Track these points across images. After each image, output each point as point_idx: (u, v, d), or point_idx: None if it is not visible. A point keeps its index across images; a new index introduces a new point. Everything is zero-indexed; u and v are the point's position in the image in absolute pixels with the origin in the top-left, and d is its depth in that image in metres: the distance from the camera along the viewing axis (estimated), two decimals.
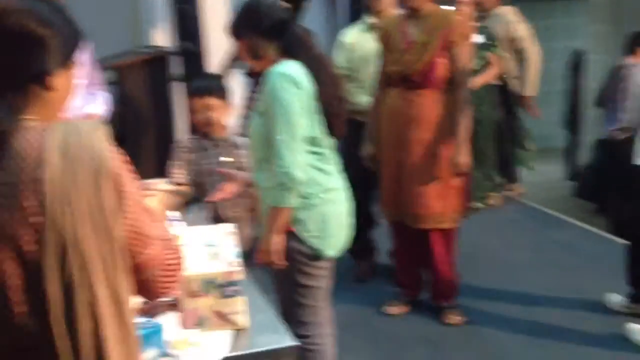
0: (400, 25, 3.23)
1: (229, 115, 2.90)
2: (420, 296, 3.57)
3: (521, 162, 5.32)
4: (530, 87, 5.05)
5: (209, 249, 1.83)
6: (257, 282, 2.95)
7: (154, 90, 4.76)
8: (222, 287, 1.70)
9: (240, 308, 1.72)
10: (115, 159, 1.14)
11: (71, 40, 1.21)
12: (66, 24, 1.20)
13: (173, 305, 1.72)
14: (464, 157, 3.15)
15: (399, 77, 3.20)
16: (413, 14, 3.17)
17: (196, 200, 2.82)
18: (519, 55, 5.02)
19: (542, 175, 5.95)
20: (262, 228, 2.38)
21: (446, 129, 3.16)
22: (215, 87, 2.83)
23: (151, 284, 1.23)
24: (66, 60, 1.20)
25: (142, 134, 4.78)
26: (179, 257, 1.28)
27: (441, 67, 3.11)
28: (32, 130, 1.12)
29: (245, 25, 2.31)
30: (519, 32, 5.02)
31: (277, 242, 2.26)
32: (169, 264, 1.25)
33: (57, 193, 1.07)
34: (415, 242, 3.38)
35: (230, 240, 1.89)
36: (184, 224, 2.31)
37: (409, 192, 3.24)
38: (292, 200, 2.22)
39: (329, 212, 2.31)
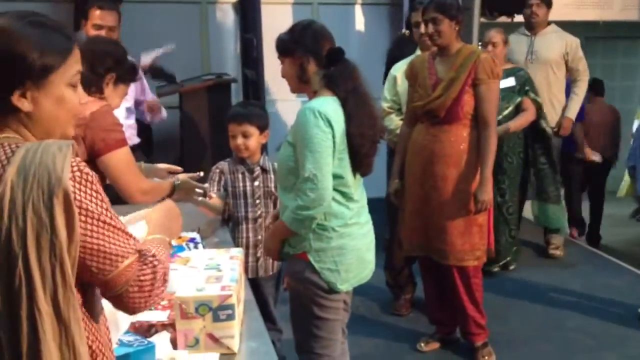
0: (429, 63, 3.27)
1: (265, 141, 2.99)
2: (455, 334, 3.51)
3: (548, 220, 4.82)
4: (573, 110, 4.80)
5: (211, 272, 1.89)
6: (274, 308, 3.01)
7: (215, 115, 4.92)
8: (217, 310, 1.75)
9: (233, 332, 1.76)
10: (77, 179, 1.16)
11: (50, 56, 1.22)
12: (47, 40, 1.22)
13: (167, 325, 1.78)
14: (487, 195, 3.12)
15: (425, 113, 3.21)
16: (441, 51, 3.21)
17: (228, 222, 2.91)
18: (572, 75, 4.80)
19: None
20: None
21: (471, 166, 3.15)
22: (252, 114, 2.93)
23: (124, 300, 1.24)
24: (41, 78, 1.21)
25: (201, 157, 4.95)
26: (153, 272, 1.27)
27: (467, 104, 3.13)
28: (4, 147, 1.17)
29: (301, 43, 2.32)
30: (579, 52, 4.79)
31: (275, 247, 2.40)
32: (142, 280, 1.25)
33: (10, 210, 1.10)
34: (442, 277, 3.34)
35: (234, 265, 1.94)
36: (200, 245, 2.40)
37: (433, 227, 3.23)
38: (305, 231, 2.27)
39: (346, 246, 2.33)
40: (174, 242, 2.39)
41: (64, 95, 1.25)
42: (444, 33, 3.12)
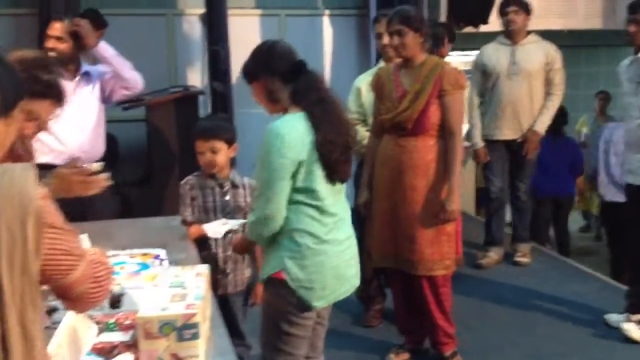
0: (394, 75, 3.29)
1: (233, 155, 2.97)
2: (424, 344, 3.52)
3: None
4: (542, 124, 4.61)
5: (176, 290, 1.86)
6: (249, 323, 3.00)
7: (182, 128, 4.89)
8: (181, 329, 1.72)
9: (198, 351, 1.74)
10: (41, 198, 1.20)
11: (10, 91, 1.27)
12: (5, 75, 1.27)
13: (130, 346, 1.75)
14: (455, 204, 3.15)
15: (393, 125, 3.24)
16: (406, 63, 3.24)
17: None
18: (546, 86, 4.63)
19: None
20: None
21: (439, 176, 3.18)
22: (219, 128, 2.91)
23: (83, 298, 1.33)
24: (4, 109, 1.26)
25: (169, 170, 4.91)
26: (107, 269, 1.40)
27: (434, 115, 3.16)
28: None
29: (263, 67, 2.36)
30: (558, 63, 4.63)
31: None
32: (98, 276, 1.35)
33: None
34: (411, 288, 3.35)
35: (200, 282, 1.92)
36: (166, 262, 2.37)
37: (402, 238, 3.24)
38: (260, 240, 2.40)
39: (323, 263, 2.31)
40: (139, 260, 2.38)
41: (18, 124, 1.32)
42: (409, 45, 3.15)
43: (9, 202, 1.15)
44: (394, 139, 3.25)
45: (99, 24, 4.66)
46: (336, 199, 2.37)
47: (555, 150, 5.41)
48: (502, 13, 4.68)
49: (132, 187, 5.05)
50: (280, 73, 2.33)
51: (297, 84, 2.32)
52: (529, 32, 4.71)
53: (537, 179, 5.02)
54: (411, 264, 3.23)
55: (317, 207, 2.30)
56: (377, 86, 3.37)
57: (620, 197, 4.71)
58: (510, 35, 4.67)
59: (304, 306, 2.32)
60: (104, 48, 3.53)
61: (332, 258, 2.33)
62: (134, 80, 3.60)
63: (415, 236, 3.19)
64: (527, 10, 4.67)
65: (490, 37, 5.11)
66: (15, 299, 1.14)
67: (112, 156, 4.64)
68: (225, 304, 2.87)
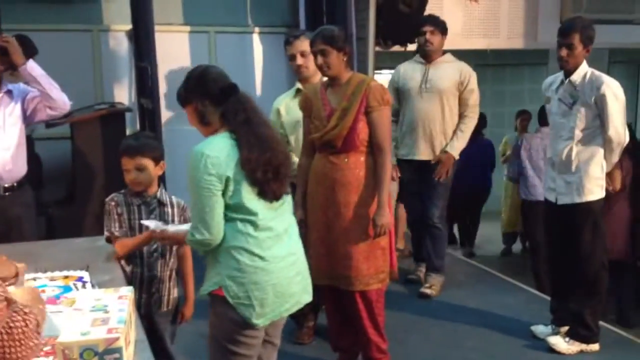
0: (321, 93, 3.32)
1: (161, 172, 2.91)
2: None
3: None
4: (457, 147, 4.55)
5: (98, 314, 1.80)
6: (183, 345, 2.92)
7: (108, 146, 4.77)
8: (103, 354, 1.66)
9: None
10: None
11: None
12: None
13: None
14: (385, 218, 3.19)
15: (323, 143, 3.27)
16: (332, 82, 3.28)
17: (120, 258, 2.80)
18: (460, 107, 4.56)
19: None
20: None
21: (369, 191, 3.22)
22: (145, 145, 2.84)
23: None
24: None
25: (94, 189, 4.77)
26: (29, 320, 1.27)
27: (362, 131, 3.20)
28: None
29: (195, 91, 2.41)
30: (472, 83, 4.57)
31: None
32: (12, 327, 1.23)
33: None
34: (345, 304, 3.35)
35: (123, 305, 1.86)
36: (89, 285, 2.29)
37: (337, 255, 3.25)
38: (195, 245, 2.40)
39: (260, 281, 2.31)
40: (61, 282, 2.29)
41: None
42: (333, 64, 3.19)
43: None
44: (325, 156, 3.28)
45: (30, 50, 4.52)
46: (274, 215, 2.38)
47: (473, 149, 5.59)
48: (419, 33, 4.66)
49: (56, 206, 4.90)
50: (211, 96, 2.39)
51: (227, 106, 2.38)
52: (445, 52, 4.71)
53: (455, 174, 4.84)
54: (347, 280, 3.24)
55: (251, 223, 2.31)
56: (306, 105, 3.38)
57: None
58: (425, 54, 4.63)
59: (246, 324, 2.31)
60: (32, 67, 3.42)
61: (271, 275, 2.33)
62: (62, 101, 3.50)
63: (350, 252, 3.22)
64: (443, 30, 4.65)
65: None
66: None
67: (37, 176, 4.49)
68: (151, 325, 2.80)
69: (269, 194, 2.35)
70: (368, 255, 3.22)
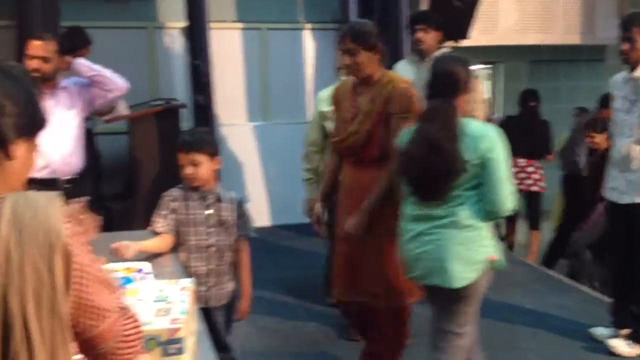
0: (350, 92, 3.03)
1: (217, 168, 2.93)
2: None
3: None
4: None
5: (160, 305, 1.82)
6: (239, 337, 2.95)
7: (164, 141, 4.85)
8: (166, 344, 1.68)
9: None
10: (69, 233, 1.13)
11: (32, 115, 1.23)
12: (30, 101, 1.23)
13: None
14: (353, 228, 2.91)
15: (343, 149, 3.04)
16: (362, 81, 2.99)
17: (175, 250, 2.84)
18: None
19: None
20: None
21: (387, 201, 2.91)
22: (200, 142, 2.87)
23: (110, 357, 1.23)
24: (26, 133, 1.21)
25: (151, 183, 4.85)
26: (137, 327, 1.29)
27: (383, 139, 2.89)
28: None
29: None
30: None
31: None
32: (127, 335, 1.25)
33: (5, 267, 1.06)
34: (371, 322, 3.14)
35: (184, 296, 1.88)
36: (151, 276, 2.32)
37: (365, 269, 3.00)
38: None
39: None
40: (122, 274, 2.33)
41: (35, 149, 1.27)
42: (362, 65, 2.91)
43: (33, 238, 1.08)
44: (349, 165, 3.05)
45: (84, 41, 4.63)
46: None
47: None
48: (411, 31, 4.41)
49: (114, 200, 5.00)
50: None
51: None
52: (440, 47, 4.41)
53: None
54: (375, 296, 3.00)
55: None
56: (335, 102, 3.15)
57: None
58: (419, 52, 4.33)
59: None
60: (80, 63, 3.52)
61: None
62: (119, 81, 3.60)
63: (372, 267, 2.98)
64: (436, 26, 4.36)
65: (471, 52, 5.13)
66: (44, 341, 1.08)
67: (96, 169, 4.60)
68: (208, 318, 2.83)
69: None
70: (387, 270, 2.96)
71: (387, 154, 2.84)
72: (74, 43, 4.53)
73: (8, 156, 1.18)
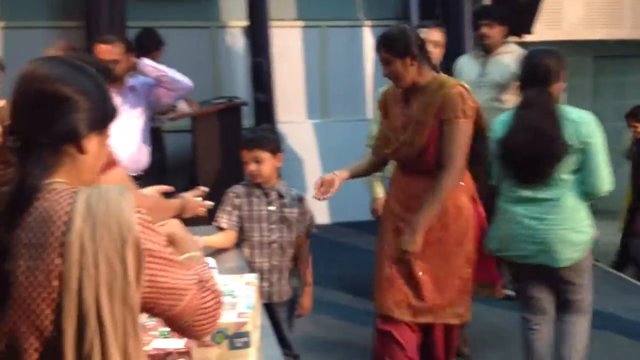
0: (399, 97, 2.91)
1: (279, 165, 2.97)
2: None
3: None
4: None
5: (226, 299, 1.85)
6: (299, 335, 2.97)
7: (226, 138, 4.92)
8: (233, 337, 1.71)
9: None
10: (140, 223, 1.17)
11: (104, 109, 1.27)
12: (102, 94, 1.27)
13: (183, 354, 1.75)
14: (411, 245, 2.74)
15: (396, 160, 2.97)
16: (411, 87, 2.83)
17: (238, 246, 2.88)
18: None
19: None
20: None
21: (452, 216, 2.82)
22: (263, 138, 2.92)
23: (191, 329, 1.29)
24: (98, 127, 1.25)
25: (214, 180, 4.94)
26: (216, 297, 1.34)
27: (438, 149, 2.77)
28: (61, 192, 1.15)
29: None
30: None
31: None
32: (206, 307, 1.30)
33: (80, 259, 1.10)
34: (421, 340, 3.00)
35: (250, 291, 1.91)
36: (216, 271, 2.36)
37: (410, 281, 2.87)
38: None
39: None
40: None
41: (106, 142, 1.30)
42: (399, 73, 2.77)
43: (106, 231, 1.12)
44: (402, 173, 2.95)
45: (158, 43, 4.76)
46: None
47: None
48: (475, 26, 4.35)
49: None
50: None
51: None
52: (504, 42, 4.39)
53: None
54: (415, 309, 2.88)
55: None
56: (383, 106, 3.03)
57: None
58: (484, 47, 4.33)
59: None
60: (145, 63, 3.62)
61: None
62: (183, 81, 3.68)
63: (423, 278, 2.85)
64: (501, 21, 4.31)
65: (535, 47, 5.02)
66: (117, 331, 1.12)
67: (162, 166, 4.71)
68: (270, 314, 2.86)
69: None
70: (443, 283, 2.83)
71: (442, 163, 2.75)
72: (148, 45, 4.67)
73: (81, 150, 1.21)
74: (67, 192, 1.16)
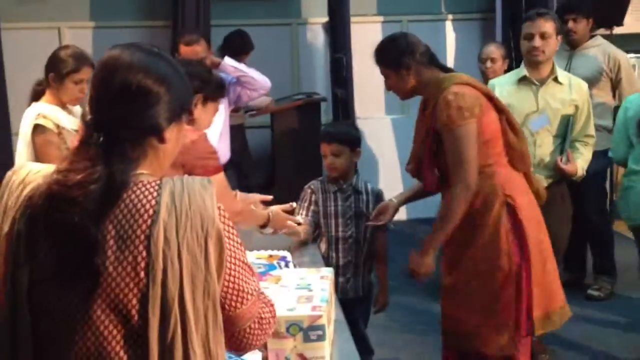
0: (420, 107, 2.73)
1: (357, 160, 2.98)
2: None
3: None
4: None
5: (302, 292, 1.88)
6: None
7: (305, 134, 4.97)
8: (307, 330, 1.74)
9: (324, 353, 1.75)
10: (222, 218, 1.19)
11: (183, 96, 1.28)
12: (180, 80, 1.27)
13: None
14: (418, 266, 2.56)
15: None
16: (422, 97, 2.69)
17: (314, 241, 2.91)
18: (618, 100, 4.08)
19: None
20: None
21: (472, 229, 2.51)
22: (342, 133, 2.95)
23: (242, 336, 1.28)
24: (178, 115, 1.26)
25: (292, 175, 5.00)
26: (272, 311, 1.35)
27: (436, 162, 2.56)
28: (146, 184, 1.18)
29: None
30: (622, 71, 4.06)
31: None
32: (262, 317, 1.31)
33: (164, 251, 1.12)
34: None
35: (325, 285, 1.93)
36: (290, 264, 2.40)
37: (447, 305, 2.66)
38: None
39: None
40: (265, 261, 2.43)
41: (184, 127, 1.31)
42: (396, 86, 2.63)
43: (189, 223, 1.14)
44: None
45: (247, 46, 4.87)
46: None
47: None
48: (562, 21, 4.09)
49: (258, 191, 5.18)
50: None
51: None
52: (592, 36, 4.27)
53: None
54: (456, 337, 2.64)
55: None
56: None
57: None
58: (569, 43, 4.17)
59: None
60: (226, 63, 3.70)
61: None
62: (262, 81, 3.74)
63: (458, 302, 2.61)
64: (587, 15, 4.15)
65: (625, 40, 4.83)
66: (199, 322, 1.14)
67: (245, 162, 4.81)
68: (346, 309, 2.87)
69: None
70: (482, 307, 2.52)
71: (448, 176, 2.49)
72: (238, 46, 4.79)
73: (162, 141, 1.23)
74: (152, 184, 1.18)
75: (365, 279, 2.98)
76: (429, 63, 2.59)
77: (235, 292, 1.23)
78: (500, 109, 2.56)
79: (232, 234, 1.23)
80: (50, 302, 1.14)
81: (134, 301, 1.13)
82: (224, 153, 3.70)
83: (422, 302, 4.18)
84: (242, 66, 3.76)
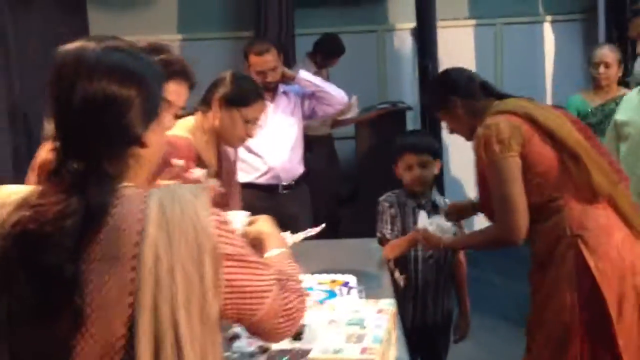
0: None
1: (438, 173, 2.79)
2: None
3: None
4: None
5: (353, 329, 1.69)
6: None
7: (389, 144, 4.76)
8: None
9: None
10: (216, 226, 1.07)
11: (156, 87, 1.14)
12: (149, 69, 1.13)
13: None
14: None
15: None
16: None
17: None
18: None
19: None
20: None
21: (543, 273, 2.19)
22: (430, 143, 2.82)
23: (273, 332, 1.21)
24: (155, 111, 1.13)
25: (376, 187, 4.80)
26: (299, 296, 1.24)
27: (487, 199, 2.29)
28: (131, 197, 1.06)
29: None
30: None
31: None
32: (288, 309, 1.20)
33: (155, 272, 1.01)
34: None
35: (381, 321, 1.72)
36: (355, 291, 2.19)
37: None
38: None
39: None
40: (327, 287, 2.24)
41: (165, 126, 1.22)
42: (453, 126, 2.45)
43: (182, 237, 1.02)
44: None
45: (340, 50, 4.73)
46: None
47: None
48: None
49: (341, 204, 5.03)
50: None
51: None
52: None
53: None
54: None
55: None
56: None
57: None
58: None
59: None
60: (302, 77, 3.53)
61: None
62: (339, 97, 3.56)
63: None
64: None
65: None
66: (195, 347, 1.03)
67: (337, 173, 4.67)
68: (424, 338, 2.66)
69: None
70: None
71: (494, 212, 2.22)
72: (331, 50, 4.66)
73: (143, 146, 1.10)
74: (138, 196, 1.06)
75: (445, 304, 2.74)
76: (481, 93, 2.34)
77: (248, 296, 1.12)
78: (550, 134, 2.15)
79: (231, 237, 1.10)
80: (31, 340, 1.03)
81: (123, 330, 1.01)
82: (295, 166, 3.55)
83: (507, 326, 3.87)
84: (318, 80, 3.59)
